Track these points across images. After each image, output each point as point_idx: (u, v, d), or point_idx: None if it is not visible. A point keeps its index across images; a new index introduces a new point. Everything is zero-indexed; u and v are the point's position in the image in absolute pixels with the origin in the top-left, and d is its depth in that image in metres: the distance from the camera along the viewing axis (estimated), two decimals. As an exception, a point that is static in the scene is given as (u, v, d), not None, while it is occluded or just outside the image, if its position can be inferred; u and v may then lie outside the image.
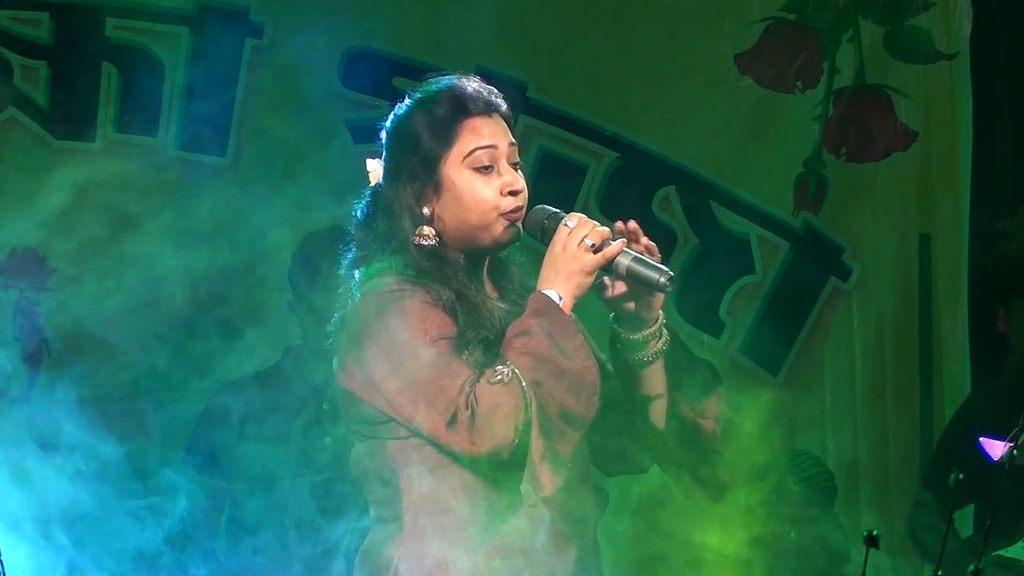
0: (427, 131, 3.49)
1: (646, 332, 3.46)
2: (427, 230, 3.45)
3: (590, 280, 3.37)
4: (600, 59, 5.98)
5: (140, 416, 5.33)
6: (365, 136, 5.83)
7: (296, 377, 5.43)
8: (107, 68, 5.75)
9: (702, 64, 6.02)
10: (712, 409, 3.69)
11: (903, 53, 6.07)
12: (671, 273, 3.33)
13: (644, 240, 3.44)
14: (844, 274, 6.10)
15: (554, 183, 5.76)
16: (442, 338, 3.33)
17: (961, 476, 2.81)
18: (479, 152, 3.49)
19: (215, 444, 5.43)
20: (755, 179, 6.07)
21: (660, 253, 3.42)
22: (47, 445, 5.40)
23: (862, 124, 6.07)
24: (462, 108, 3.52)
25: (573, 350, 3.32)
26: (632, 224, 3.42)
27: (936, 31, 6.08)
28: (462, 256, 3.46)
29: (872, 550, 2.78)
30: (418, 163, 3.48)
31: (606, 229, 3.39)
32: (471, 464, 3.34)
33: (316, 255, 5.41)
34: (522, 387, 3.26)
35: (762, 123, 6.06)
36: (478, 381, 3.28)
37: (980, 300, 6.00)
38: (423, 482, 3.39)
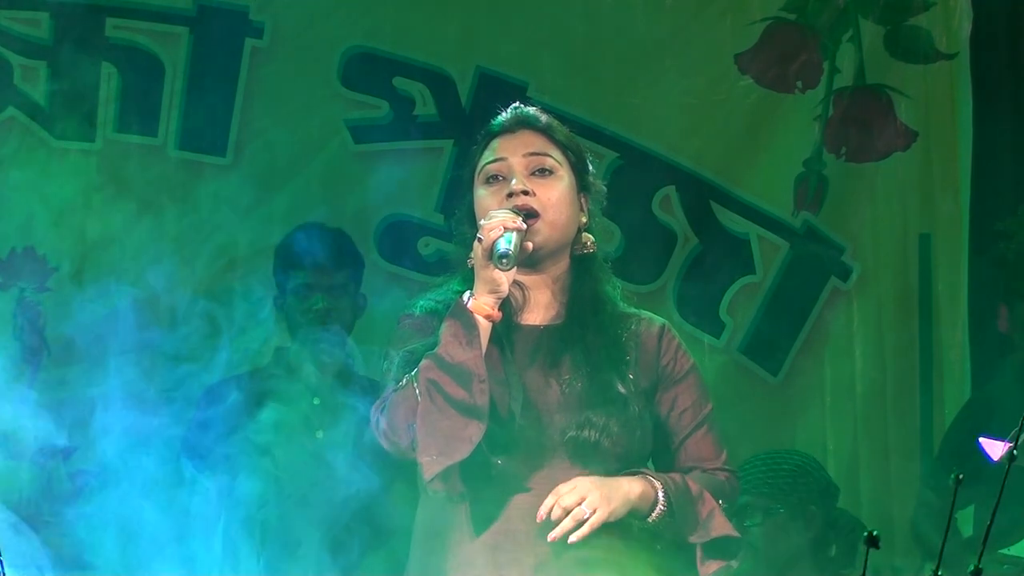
0: (470, 158, 3.78)
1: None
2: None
3: (490, 272, 3.53)
4: (600, 59, 5.98)
5: (139, 416, 5.32)
6: (365, 136, 5.89)
7: (289, 375, 5.44)
8: (107, 68, 5.75)
9: (702, 64, 6.02)
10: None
11: (903, 53, 6.07)
12: (506, 252, 3.49)
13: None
14: (844, 274, 6.10)
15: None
16: (398, 355, 3.65)
17: (961, 476, 2.81)
18: (488, 166, 3.71)
19: (211, 443, 5.44)
20: (755, 179, 6.07)
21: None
22: (47, 445, 5.41)
23: (862, 124, 6.06)
24: (488, 132, 3.77)
25: (467, 343, 3.50)
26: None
27: (936, 31, 6.07)
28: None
29: (872, 550, 2.78)
30: (466, 188, 3.76)
31: (499, 220, 3.54)
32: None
33: (299, 252, 5.45)
34: (414, 391, 3.51)
35: (762, 123, 6.06)
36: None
37: (980, 300, 5.99)
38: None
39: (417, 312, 3.72)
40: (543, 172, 3.69)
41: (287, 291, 5.44)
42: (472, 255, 3.58)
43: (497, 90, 5.80)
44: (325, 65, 5.85)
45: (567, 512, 3.50)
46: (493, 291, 3.54)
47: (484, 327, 3.54)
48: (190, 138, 5.81)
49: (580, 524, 3.50)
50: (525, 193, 3.63)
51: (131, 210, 5.71)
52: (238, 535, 5.32)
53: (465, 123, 5.79)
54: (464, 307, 3.54)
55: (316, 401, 5.38)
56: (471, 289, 3.60)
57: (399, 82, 5.89)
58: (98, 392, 5.34)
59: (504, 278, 3.53)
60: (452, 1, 5.94)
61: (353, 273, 5.46)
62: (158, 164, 5.77)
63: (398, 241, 5.87)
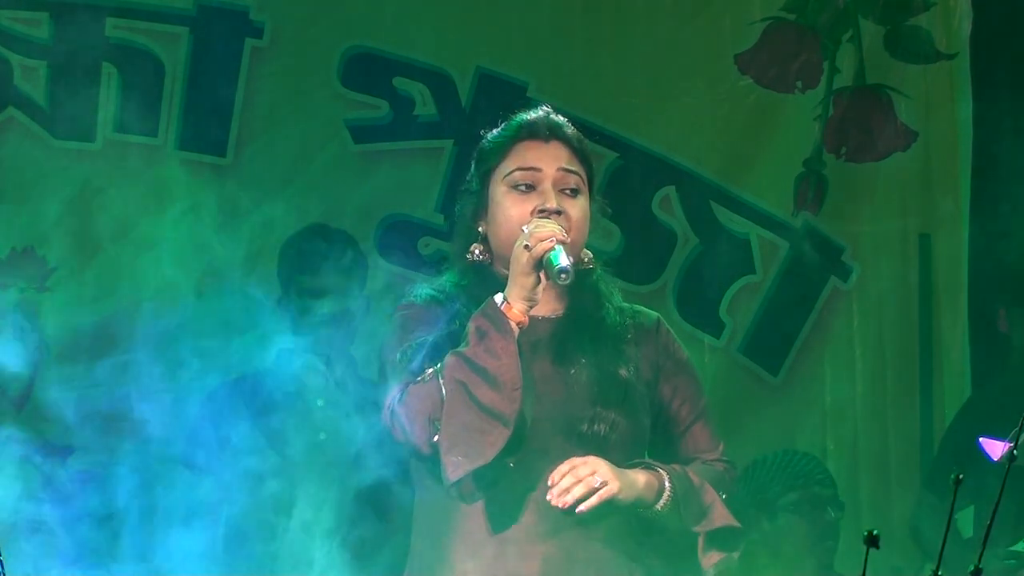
0: (487, 152, 3.73)
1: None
2: (475, 247, 3.69)
3: (530, 280, 3.51)
4: (600, 59, 5.98)
5: (139, 416, 5.33)
6: (365, 136, 5.89)
7: (292, 377, 5.44)
8: (107, 68, 5.75)
9: (702, 64, 6.02)
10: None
11: (903, 53, 6.07)
12: (566, 267, 3.46)
13: None
14: (844, 274, 6.10)
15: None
16: (410, 346, 3.61)
17: (961, 476, 2.81)
18: (517, 172, 3.68)
19: (213, 445, 5.44)
20: (755, 179, 6.07)
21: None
22: (47, 445, 5.41)
23: (862, 124, 6.07)
24: (519, 131, 3.72)
25: (500, 349, 3.48)
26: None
27: (936, 31, 6.08)
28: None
29: (872, 550, 2.78)
30: (477, 181, 3.72)
31: (550, 231, 3.52)
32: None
33: (304, 253, 5.45)
34: (440, 386, 3.49)
35: (762, 123, 6.06)
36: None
37: (980, 300, 6.00)
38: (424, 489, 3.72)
39: (418, 302, 3.71)
40: (571, 191, 3.68)
41: (291, 292, 5.45)
42: (513, 260, 3.54)
43: (497, 90, 5.80)
44: (325, 65, 5.85)
45: (579, 480, 3.51)
46: (529, 299, 3.53)
47: (514, 333, 3.53)
48: (190, 138, 5.81)
49: (590, 493, 3.52)
50: (558, 213, 3.62)
51: (131, 210, 5.71)
52: (239, 536, 5.32)
53: (465, 123, 5.79)
54: (498, 310, 3.52)
55: (320, 403, 5.38)
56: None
57: (399, 82, 5.89)
58: (98, 392, 5.35)
59: (541, 288, 3.52)
60: (452, 1, 5.95)
61: (358, 275, 5.47)
62: (158, 164, 5.77)
63: (398, 241, 5.87)
